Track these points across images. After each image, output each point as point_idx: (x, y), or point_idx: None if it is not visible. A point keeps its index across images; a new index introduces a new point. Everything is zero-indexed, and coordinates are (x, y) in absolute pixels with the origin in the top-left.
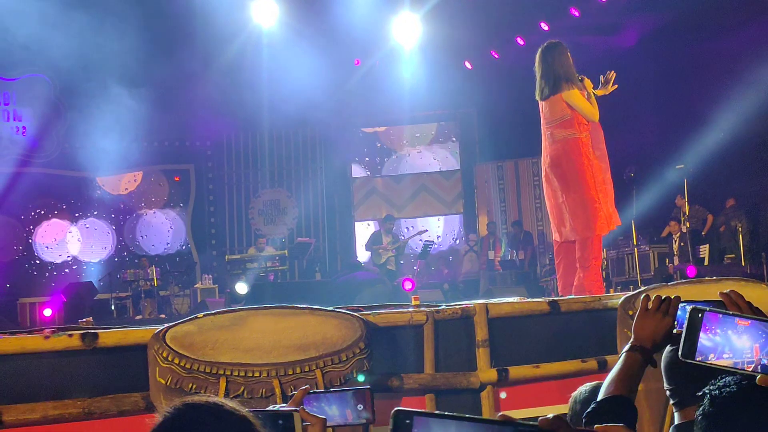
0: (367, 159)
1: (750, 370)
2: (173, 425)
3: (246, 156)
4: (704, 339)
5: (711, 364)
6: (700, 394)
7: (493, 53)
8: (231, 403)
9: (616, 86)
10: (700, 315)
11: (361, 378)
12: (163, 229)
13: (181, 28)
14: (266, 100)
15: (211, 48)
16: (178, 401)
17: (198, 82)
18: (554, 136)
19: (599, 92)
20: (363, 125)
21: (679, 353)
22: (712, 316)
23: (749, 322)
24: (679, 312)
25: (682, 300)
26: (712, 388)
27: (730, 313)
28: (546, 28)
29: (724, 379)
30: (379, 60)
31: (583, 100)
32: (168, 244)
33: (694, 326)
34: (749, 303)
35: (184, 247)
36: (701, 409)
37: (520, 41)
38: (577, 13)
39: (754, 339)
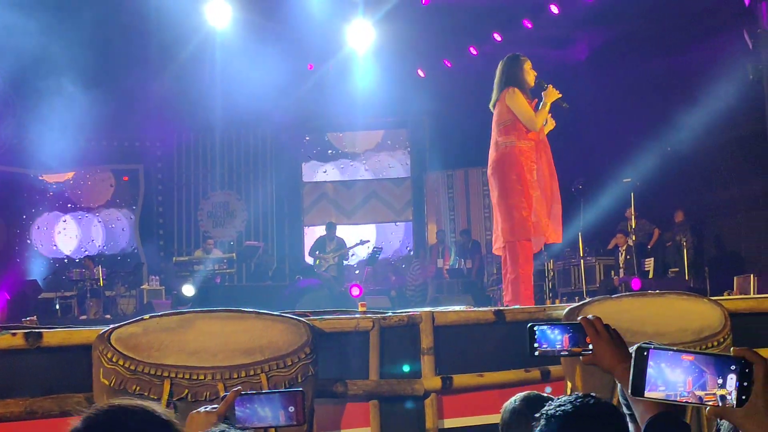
0: (317, 164)
1: (692, 401)
2: (98, 426)
3: (196, 158)
4: (648, 374)
5: (659, 399)
6: (538, 415)
7: (446, 62)
8: (156, 407)
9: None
10: (645, 353)
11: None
12: (110, 229)
13: (135, 27)
14: (218, 101)
15: (165, 48)
16: (103, 403)
17: (150, 82)
18: (497, 142)
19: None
20: (315, 130)
21: (629, 391)
22: (656, 353)
23: (693, 357)
24: (536, 333)
25: (537, 322)
26: (549, 408)
27: (674, 349)
28: (499, 38)
29: (560, 399)
30: (333, 65)
31: (523, 105)
32: (115, 244)
33: (641, 364)
34: (607, 326)
35: (131, 248)
36: (538, 429)
37: (473, 51)
38: (529, 25)
39: (687, 373)
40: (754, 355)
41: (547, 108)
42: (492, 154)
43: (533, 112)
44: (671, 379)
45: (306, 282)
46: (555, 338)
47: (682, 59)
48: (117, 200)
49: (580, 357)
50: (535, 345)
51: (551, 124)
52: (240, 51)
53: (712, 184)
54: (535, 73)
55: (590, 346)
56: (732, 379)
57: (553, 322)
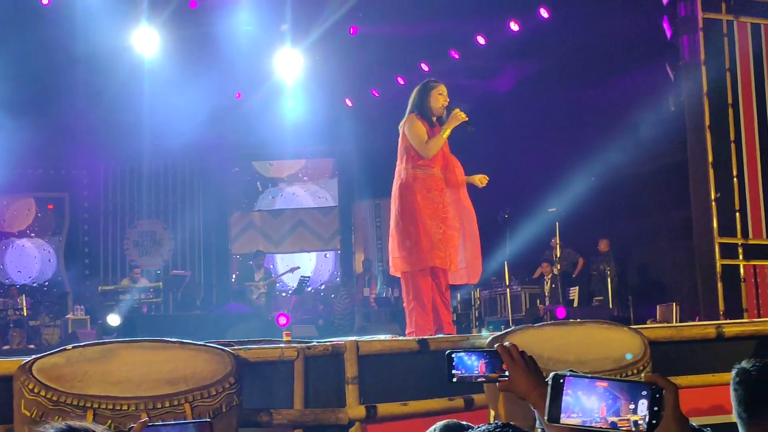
0: (245, 192)
1: (605, 427)
2: None
3: (123, 186)
4: (564, 401)
5: (575, 425)
6: None
7: (374, 92)
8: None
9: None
10: (561, 380)
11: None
12: (35, 258)
13: (62, 53)
14: (146, 129)
15: (93, 75)
16: (59, 422)
17: (77, 109)
18: (397, 169)
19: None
20: (244, 158)
21: (546, 418)
22: (572, 380)
23: (607, 383)
24: (454, 360)
25: (455, 349)
26: None
27: (589, 375)
28: (426, 68)
29: (479, 428)
30: (261, 94)
31: (417, 131)
32: (39, 272)
33: (557, 390)
34: (522, 353)
35: (56, 277)
36: None
37: (401, 81)
38: (456, 56)
39: (602, 399)
40: (664, 381)
41: (446, 133)
42: (394, 181)
43: (425, 139)
44: (586, 405)
45: (238, 308)
46: (472, 365)
47: (606, 90)
48: (41, 228)
49: (497, 383)
50: (453, 371)
51: (481, 180)
52: (168, 79)
53: (635, 214)
54: (446, 100)
55: (506, 373)
56: (644, 405)
57: (470, 348)
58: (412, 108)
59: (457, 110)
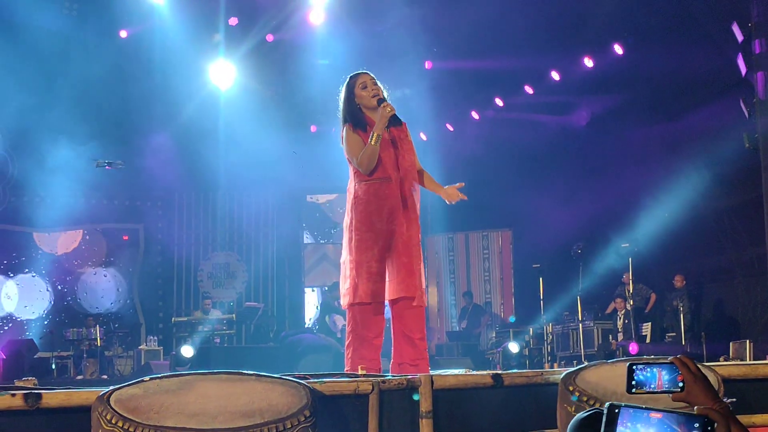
0: (319, 224)
1: None
2: None
3: (197, 218)
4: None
5: None
6: None
7: (448, 125)
8: None
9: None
10: (616, 410)
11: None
12: (109, 288)
13: (138, 85)
14: (221, 162)
15: (168, 108)
16: None
17: (152, 141)
18: (348, 186)
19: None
20: (318, 191)
21: None
22: (627, 411)
23: (661, 414)
24: (635, 371)
25: (635, 361)
26: None
27: (643, 407)
28: (501, 103)
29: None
30: (336, 127)
31: (352, 142)
32: (113, 303)
33: (612, 421)
34: (698, 367)
35: (129, 308)
36: None
37: (475, 115)
38: (531, 91)
39: (656, 430)
40: (716, 414)
41: (374, 138)
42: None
43: (359, 152)
44: None
45: (310, 338)
46: (650, 376)
47: (680, 126)
48: (116, 259)
49: (670, 395)
50: (633, 382)
51: (450, 195)
52: (243, 111)
53: (709, 250)
54: (373, 88)
55: (680, 384)
56: None
57: (648, 360)
58: (344, 117)
59: (384, 104)
